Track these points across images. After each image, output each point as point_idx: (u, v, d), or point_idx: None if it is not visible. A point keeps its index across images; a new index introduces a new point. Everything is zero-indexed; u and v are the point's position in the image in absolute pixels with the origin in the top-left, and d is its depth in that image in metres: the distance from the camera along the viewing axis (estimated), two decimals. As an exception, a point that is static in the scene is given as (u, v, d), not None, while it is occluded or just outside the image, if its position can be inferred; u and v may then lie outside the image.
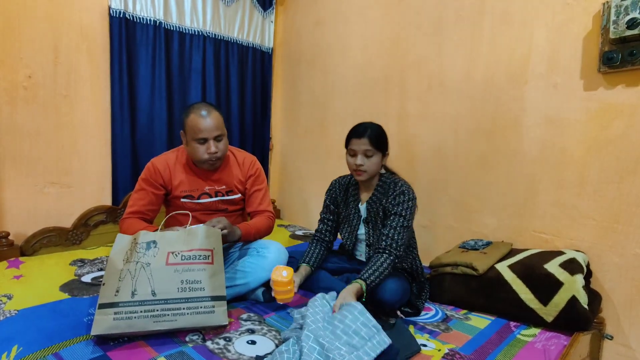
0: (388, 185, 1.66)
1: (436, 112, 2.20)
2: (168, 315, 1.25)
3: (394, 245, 1.53)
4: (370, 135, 1.58)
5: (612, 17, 1.51)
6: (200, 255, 1.36)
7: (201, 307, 1.29)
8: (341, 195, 1.78)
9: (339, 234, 1.83)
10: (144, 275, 1.28)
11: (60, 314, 1.39)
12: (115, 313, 1.21)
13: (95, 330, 1.19)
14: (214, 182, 1.75)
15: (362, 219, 1.71)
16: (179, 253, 1.34)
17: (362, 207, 1.71)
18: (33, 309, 1.42)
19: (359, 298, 1.40)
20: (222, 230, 1.48)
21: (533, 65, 1.83)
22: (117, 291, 1.24)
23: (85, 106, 2.23)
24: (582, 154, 1.71)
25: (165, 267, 1.30)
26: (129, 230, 1.57)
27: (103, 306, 1.22)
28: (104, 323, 1.20)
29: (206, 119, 1.60)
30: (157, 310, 1.24)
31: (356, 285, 1.41)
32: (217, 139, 1.65)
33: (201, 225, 1.44)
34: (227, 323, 1.32)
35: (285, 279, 1.43)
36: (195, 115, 1.61)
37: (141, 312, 1.23)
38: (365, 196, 1.72)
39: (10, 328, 1.29)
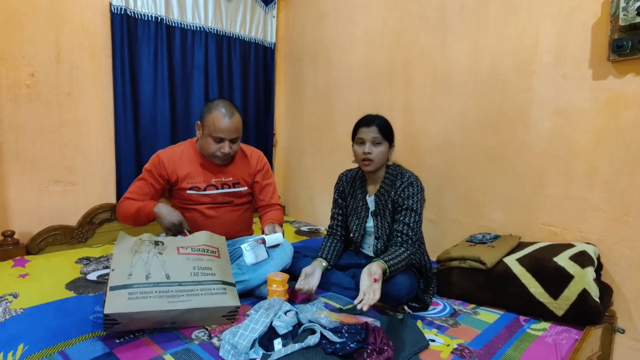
0: (395, 176, 1.64)
1: (442, 105, 2.17)
2: (182, 295, 1.25)
3: (410, 241, 1.52)
4: (378, 124, 1.60)
5: (622, 4, 1.48)
6: (208, 250, 1.41)
7: (214, 289, 1.31)
8: (349, 188, 1.77)
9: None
10: (157, 262, 1.30)
11: (66, 312, 1.39)
12: (129, 293, 1.19)
13: (109, 309, 1.13)
14: (221, 174, 1.76)
15: (370, 211, 1.69)
16: (187, 247, 1.39)
17: (370, 200, 1.69)
18: (39, 308, 1.41)
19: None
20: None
21: (540, 55, 1.79)
22: (130, 275, 1.24)
23: (88, 103, 2.22)
24: (591, 145, 1.68)
25: (177, 255, 1.35)
26: (127, 210, 1.64)
27: (115, 288, 1.19)
28: (118, 301, 1.16)
29: (229, 121, 1.63)
30: (172, 292, 1.25)
31: (381, 264, 1.38)
32: (233, 140, 1.67)
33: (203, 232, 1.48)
34: (239, 305, 1.33)
35: (279, 277, 1.47)
36: (219, 114, 1.63)
37: (156, 292, 1.23)
38: (372, 189, 1.70)
39: (16, 326, 1.29)
